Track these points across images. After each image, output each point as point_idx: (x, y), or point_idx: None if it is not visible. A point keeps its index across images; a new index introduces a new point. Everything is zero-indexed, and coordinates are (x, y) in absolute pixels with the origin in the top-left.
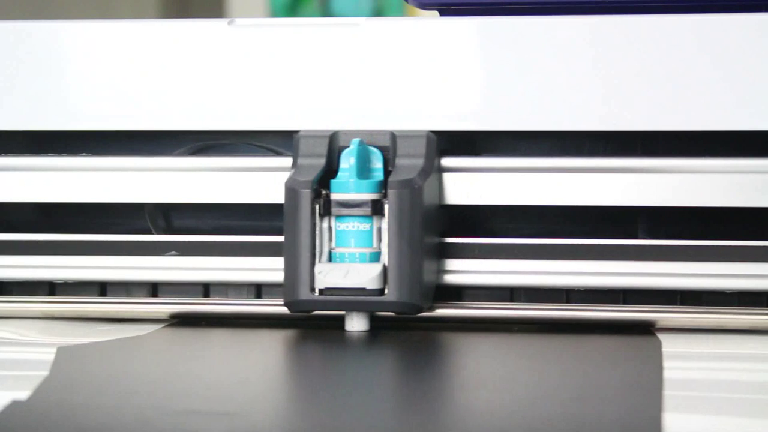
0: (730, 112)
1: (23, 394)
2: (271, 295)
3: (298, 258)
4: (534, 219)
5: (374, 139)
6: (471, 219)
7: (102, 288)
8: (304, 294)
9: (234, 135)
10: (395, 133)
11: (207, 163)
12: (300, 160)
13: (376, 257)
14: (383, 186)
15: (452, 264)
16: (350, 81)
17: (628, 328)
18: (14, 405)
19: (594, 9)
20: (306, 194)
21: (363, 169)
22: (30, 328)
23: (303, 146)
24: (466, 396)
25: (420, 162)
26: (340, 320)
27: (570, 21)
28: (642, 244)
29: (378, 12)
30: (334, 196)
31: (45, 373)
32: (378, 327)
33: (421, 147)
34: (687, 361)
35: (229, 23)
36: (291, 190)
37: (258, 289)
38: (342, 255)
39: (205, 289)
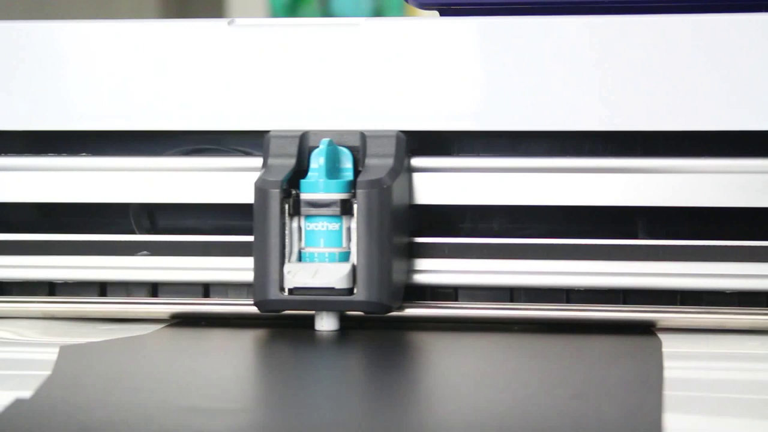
0: (730, 112)
1: (26, 393)
2: None
3: (268, 258)
4: (523, 219)
5: (344, 139)
6: (446, 218)
7: (102, 288)
8: (273, 294)
9: (234, 135)
10: (365, 133)
11: (194, 163)
12: (270, 160)
13: (345, 257)
14: (352, 186)
15: (423, 264)
16: (351, 81)
17: (629, 328)
18: (18, 403)
19: (594, 9)
20: (275, 194)
21: (332, 169)
22: (30, 328)
23: (273, 146)
24: (434, 395)
25: (389, 162)
26: (312, 320)
27: (570, 21)
28: (642, 244)
29: (378, 12)
30: (304, 195)
31: (47, 372)
32: (348, 327)
33: (390, 147)
34: (687, 361)
35: (229, 23)
36: (260, 190)
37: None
38: (311, 255)
39: (205, 289)
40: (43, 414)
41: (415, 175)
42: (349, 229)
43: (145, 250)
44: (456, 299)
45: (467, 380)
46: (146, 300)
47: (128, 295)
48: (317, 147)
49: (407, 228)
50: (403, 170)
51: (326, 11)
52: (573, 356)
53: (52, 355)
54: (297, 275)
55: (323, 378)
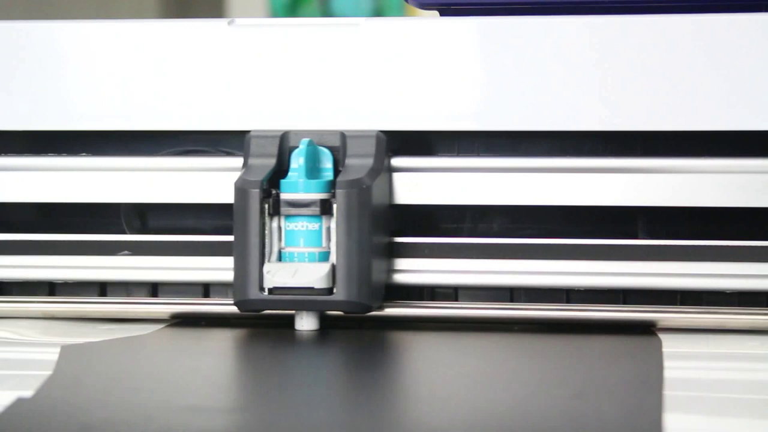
0: (730, 112)
1: (27, 393)
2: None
3: (248, 257)
4: (516, 219)
5: (324, 140)
6: (429, 218)
7: (102, 288)
8: (253, 293)
9: (234, 135)
10: (345, 133)
11: (183, 163)
12: (251, 160)
13: (325, 257)
14: (332, 186)
15: (403, 263)
16: (351, 81)
17: (629, 328)
18: (19, 403)
19: (594, 9)
20: (255, 194)
21: (312, 169)
22: (30, 328)
23: (253, 146)
24: (416, 395)
25: (369, 162)
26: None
27: (570, 21)
28: (642, 244)
29: (378, 12)
30: (284, 195)
31: (48, 372)
32: (329, 326)
33: (370, 147)
34: (687, 361)
35: (229, 23)
36: (240, 189)
37: None
38: (291, 254)
39: (205, 289)
40: (44, 413)
41: (396, 175)
42: (329, 229)
43: (174, 250)
44: (454, 299)
45: (467, 380)
46: (146, 300)
47: (128, 295)
48: (298, 147)
49: (387, 228)
50: (383, 170)
51: (326, 11)
52: (573, 356)
53: (52, 355)
54: (276, 275)
55: (304, 377)
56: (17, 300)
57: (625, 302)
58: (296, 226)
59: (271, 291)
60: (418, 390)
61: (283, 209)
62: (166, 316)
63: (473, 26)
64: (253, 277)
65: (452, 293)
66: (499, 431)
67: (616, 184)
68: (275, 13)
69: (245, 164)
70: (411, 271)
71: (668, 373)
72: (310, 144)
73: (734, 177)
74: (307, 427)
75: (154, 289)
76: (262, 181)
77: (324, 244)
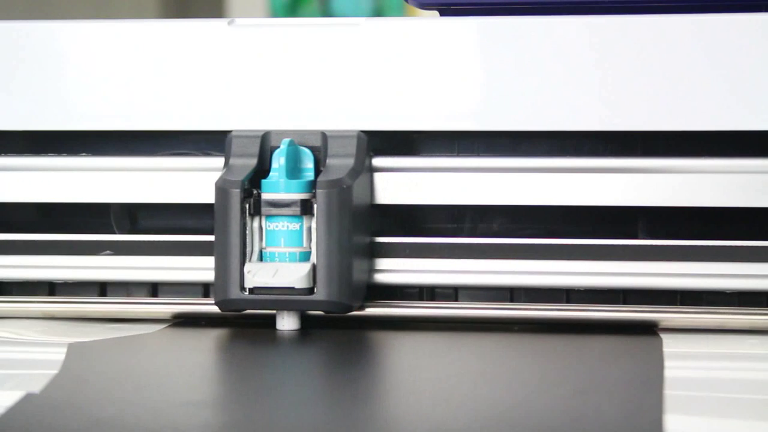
0: (730, 112)
1: (31, 392)
2: None
3: (228, 257)
4: (528, 219)
5: (305, 140)
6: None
7: (102, 288)
8: (234, 293)
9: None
10: (326, 133)
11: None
12: (232, 160)
13: (306, 257)
14: (313, 186)
15: (385, 263)
16: (351, 81)
17: (629, 328)
18: (27, 399)
19: (594, 9)
20: (235, 194)
21: (293, 169)
22: (30, 328)
23: (235, 146)
24: (394, 394)
25: (350, 162)
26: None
27: (570, 21)
28: (642, 244)
29: (378, 12)
30: (265, 195)
31: (51, 371)
32: (310, 326)
33: (351, 147)
34: (688, 361)
35: (229, 23)
36: (221, 189)
37: None
38: (272, 254)
39: (205, 289)
40: (51, 410)
41: (377, 175)
42: (309, 229)
43: (173, 251)
44: (454, 299)
45: (455, 380)
46: (146, 300)
47: (128, 295)
48: (279, 147)
49: (369, 228)
50: (364, 170)
51: (326, 11)
52: (573, 356)
53: (54, 354)
54: (257, 275)
55: (284, 377)
56: (17, 300)
57: (625, 302)
58: (277, 226)
59: (252, 291)
60: (399, 390)
61: (264, 209)
62: (166, 316)
63: (473, 26)
64: (234, 277)
65: (438, 293)
66: (498, 431)
67: (616, 184)
68: (275, 13)
69: (226, 164)
70: (392, 270)
71: (669, 373)
72: (291, 144)
73: (734, 177)
74: (296, 425)
75: (154, 289)
76: (242, 181)
77: (305, 244)
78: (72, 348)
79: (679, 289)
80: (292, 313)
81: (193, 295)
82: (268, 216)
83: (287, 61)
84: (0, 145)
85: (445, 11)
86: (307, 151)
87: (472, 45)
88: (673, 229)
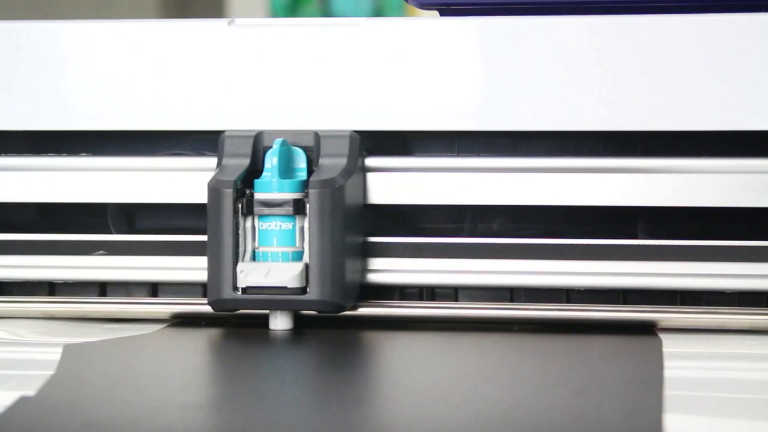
0: (730, 112)
1: (30, 392)
2: None
3: (221, 257)
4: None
5: (298, 140)
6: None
7: (102, 288)
8: (227, 293)
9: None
10: (319, 133)
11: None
12: (225, 161)
13: (298, 256)
14: (306, 186)
15: (379, 263)
16: (351, 81)
17: (629, 328)
18: (22, 401)
19: (594, 9)
20: (228, 194)
21: (286, 169)
22: (30, 328)
23: (228, 146)
24: (392, 395)
25: (343, 162)
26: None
27: (570, 21)
28: (642, 244)
29: (378, 12)
30: (257, 195)
31: (50, 372)
32: (304, 326)
33: (344, 147)
34: (687, 361)
35: (229, 23)
36: (213, 189)
37: None
38: (265, 254)
39: (205, 289)
40: (47, 412)
41: (369, 175)
42: (302, 229)
43: (172, 251)
44: (453, 299)
45: (467, 380)
46: (146, 300)
47: (128, 295)
48: (271, 147)
49: (361, 227)
50: (356, 170)
51: (326, 11)
52: (573, 356)
53: (53, 355)
54: (249, 274)
55: (281, 377)
56: (17, 300)
57: (625, 302)
58: (270, 226)
59: (245, 291)
60: (398, 390)
61: (257, 209)
62: (166, 316)
63: (473, 26)
64: (227, 277)
65: (438, 293)
66: (498, 431)
67: (616, 184)
68: (275, 13)
69: (219, 164)
70: (386, 270)
71: (668, 373)
72: (284, 144)
73: (734, 177)
74: (297, 427)
75: (154, 289)
76: (235, 181)
77: (297, 243)
78: (70, 348)
79: (678, 289)
80: (285, 312)
81: (193, 295)
82: (261, 216)
83: (286, 61)
84: (0, 145)
85: (445, 11)
86: (300, 151)
87: (472, 45)
88: (673, 229)
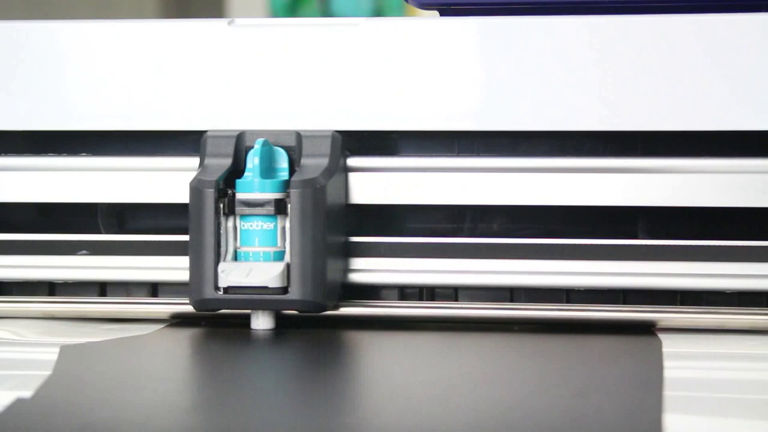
0: (730, 112)
1: (27, 393)
2: None
3: (203, 257)
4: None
5: (280, 139)
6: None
7: (102, 288)
8: (208, 293)
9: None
10: (301, 132)
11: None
12: (207, 160)
13: (280, 256)
14: (287, 185)
15: (360, 263)
16: (351, 81)
17: (629, 328)
18: (19, 403)
19: (594, 9)
20: (209, 194)
21: (267, 169)
22: (30, 328)
23: (210, 146)
24: (369, 394)
25: (324, 162)
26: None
27: (570, 21)
28: (642, 244)
29: (378, 12)
30: (239, 195)
31: (47, 372)
32: (285, 326)
33: (326, 147)
34: (687, 361)
35: (229, 23)
36: (195, 189)
37: None
38: (246, 254)
39: None
40: (44, 413)
41: (352, 175)
42: (284, 229)
43: (171, 251)
44: (453, 299)
45: (466, 380)
46: (146, 300)
47: (128, 295)
48: (253, 147)
49: (343, 227)
50: (338, 170)
51: (326, 11)
52: (573, 356)
53: (52, 355)
54: (231, 274)
55: (257, 376)
56: (17, 300)
57: (625, 302)
58: (251, 226)
59: (226, 290)
60: (376, 390)
61: (238, 209)
62: (166, 316)
63: (473, 26)
64: (209, 277)
65: (438, 293)
66: (497, 431)
67: (616, 184)
68: (275, 13)
69: (201, 164)
70: (368, 270)
71: (668, 373)
72: (266, 144)
73: (734, 177)
74: (297, 427)
75: (154, 289)
76: (217, 181)
77: (279, 243)
78: (69, 349)
79: (678, 289)
80: (266, 312)
81: None
82: (243, 216)
83: (286, 61)
84: (0, 145)
85: (445, 11)
86: (282, 151)
87: (472, 45)
88: (673, 229)
